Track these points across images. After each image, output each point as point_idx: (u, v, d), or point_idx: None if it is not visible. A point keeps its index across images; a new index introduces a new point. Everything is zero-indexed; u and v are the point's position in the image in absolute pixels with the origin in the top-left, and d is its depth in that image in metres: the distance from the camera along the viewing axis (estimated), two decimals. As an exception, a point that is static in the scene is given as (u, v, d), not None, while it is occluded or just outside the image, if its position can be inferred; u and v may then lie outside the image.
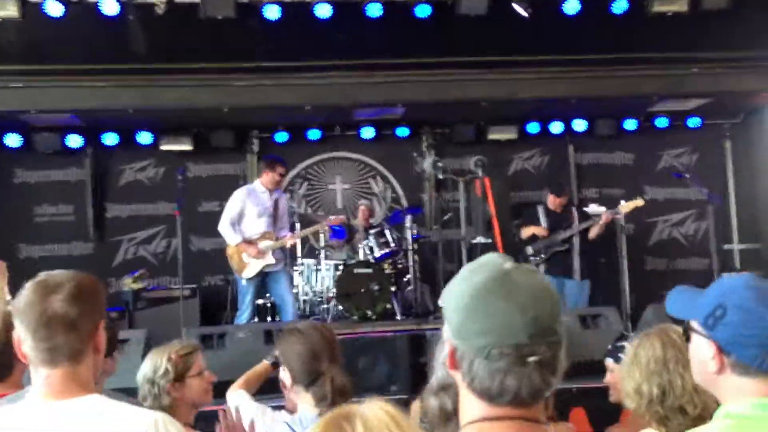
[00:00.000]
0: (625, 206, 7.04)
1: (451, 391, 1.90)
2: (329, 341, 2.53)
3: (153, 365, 2.75)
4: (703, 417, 1.58)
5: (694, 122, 9.17)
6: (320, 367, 2.43)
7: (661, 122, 9.12)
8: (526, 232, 7.20)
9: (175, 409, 2.68)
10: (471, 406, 1.21)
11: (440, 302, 1.29)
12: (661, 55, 7.84)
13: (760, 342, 1.47)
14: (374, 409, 1.17)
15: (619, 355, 2.83)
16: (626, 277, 7.23)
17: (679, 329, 2.14)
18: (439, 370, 1.98)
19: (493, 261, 1.25)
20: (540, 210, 7.33)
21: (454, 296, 1.23)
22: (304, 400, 2.47)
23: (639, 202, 7.05)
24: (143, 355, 4.58)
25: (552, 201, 7.30)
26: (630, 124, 9.09)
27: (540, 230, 7.10)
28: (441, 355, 1.98)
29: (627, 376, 2.18)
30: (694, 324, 1.57)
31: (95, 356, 1.69)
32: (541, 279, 1.23)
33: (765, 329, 1.47)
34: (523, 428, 1.19)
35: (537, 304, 1.18)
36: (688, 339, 1.61)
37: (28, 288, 1.67)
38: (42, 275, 1.70)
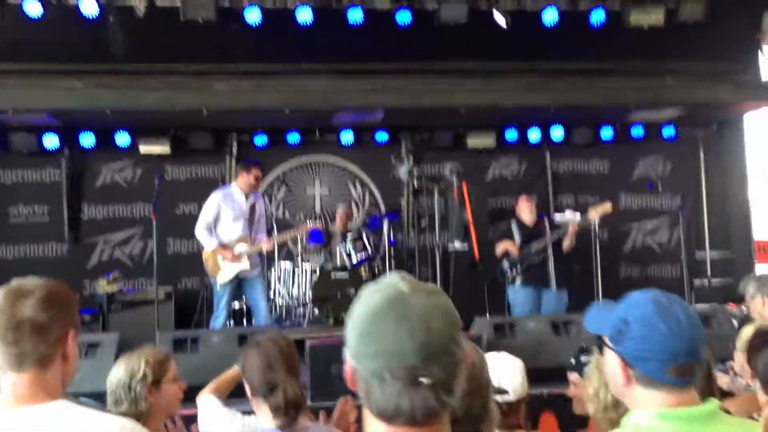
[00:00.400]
0: (594, 212, 7.12)
1: None
2: (285, 354, 2.52)
3: (129, 369, 2.69)
4: None
5: (668, 132, 9.31)
6: (276, 379, 2.44)
7: (637, 131, 9.24)
8: (500, 248, 7.23)
9: (150, 415, 2.65)
10: (372, 424, 1.22)
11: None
12: (638, 65, 7.98)
13: (660, 356, 1.52)
14: None
15: (584, 368, 2.88)
16: (600, 284, 7.33)
17: None
18: None
19: (392, 282, 1.24)
20: (513, 224, 7.36)
21: (351, 318, 1.24)
22: (262, 412, 2.50)
23: (607, 207, 7.12)
24: (115, 359, 4.57)
25: (523, 203, 7.32)
26: (606, 133, 9.20)
27: (512, 247, 7.13)
28: None
29: (588, 381, 2.25)
30: (605, 338, 1.62)
31: (64, 364, 1.69)
32: (439, 301, 1.23)
33: (664, 343, 1.52)
34: None
35: (429, 328, 1.17)
36: (601, 352, 1.65)
37: None
38: (14, 282, 1.69)
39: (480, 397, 1.91)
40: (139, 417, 2.60)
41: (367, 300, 1.22)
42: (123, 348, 4.77)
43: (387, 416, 1.19)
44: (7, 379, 1.65)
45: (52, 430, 1.59)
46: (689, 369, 1.54)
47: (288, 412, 2.38)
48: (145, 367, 2.70)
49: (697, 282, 8.52)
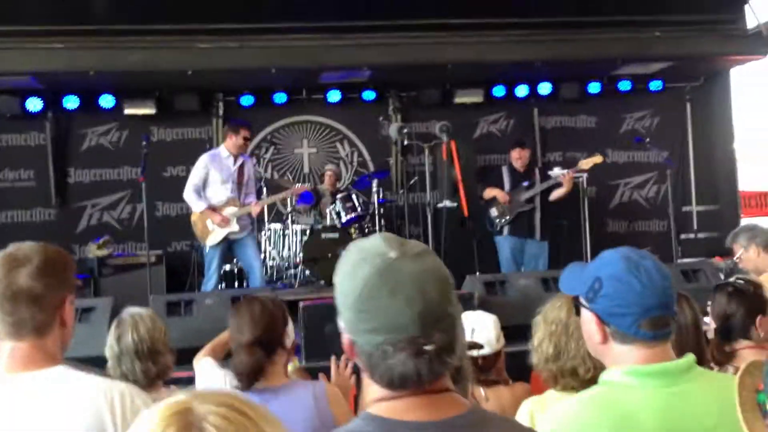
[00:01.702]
0: (585, 163, 7.14)
1: None
2: (257, 319, 2.46)
3: (155, 324, 2.71)
4: (594, 381, 1.69)
5: (655, 85, 9.29)
6: (239, 343, 2.44)
7: (624, 85, 9.21)
8: (488, 193, 7.25)
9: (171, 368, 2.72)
10: (374, 391, 1.24)
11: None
12: (625, 18, 7.91)
13: (632, 311, 1.55)
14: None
15: None
16: (588, 239, 7.41)
17: None
18: None
19: (376, 250, 1.22)
20: (504, 171, 7.36)
21: (342, 293, 1.23)
22: None
23: (597, 158, 7.13)
24: (109, 323, 4.59)
25: (517, 154, 7.30)
26: (593, 88, 9.17)
27: (501, 195, 7.14)
28: None
29: (533, 333, 2.29)
30: (581, 298, 1.65)
31: (62, 329, 1.71)
32: (428, 263, 1.21)
33: (636, 297, 1.55)
34: (429, 401, 1.22)
35: (425, 295, 1.17)
36: (578, 313, 1.68)
37: None
38: (11, 248, 1.69)
39: None
40: (158, 381, 2.67)
41: (356, 272, 1.20)
42: (117, 312, 4.79)
43: (393, 385, 1.20)
44: (6, 345, 1.66)
45: (51, 395, 1.61)
46: (663, 321, 1.57)
47: (242, 378, 2.41)
48: (163, 326, 2.74)
49: (683, 236, 8.62)
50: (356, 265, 1.21)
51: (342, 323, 1.24)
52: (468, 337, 2.68)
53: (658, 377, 1.54)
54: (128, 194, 8.57)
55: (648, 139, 8.19)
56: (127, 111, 8.40)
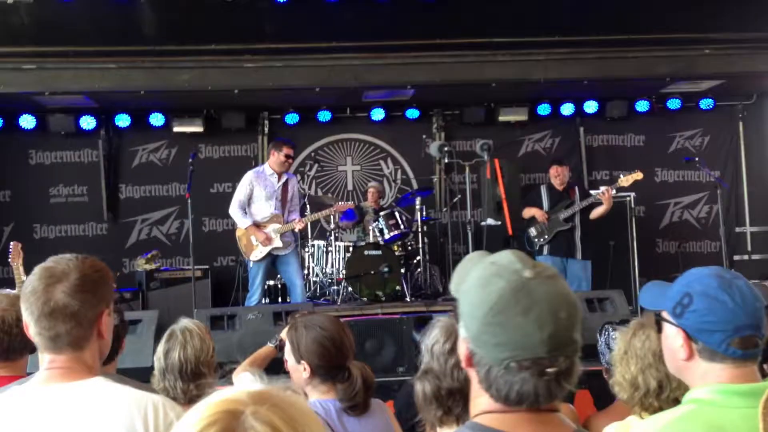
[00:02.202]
0: (624, 180, 6.99)
1: (431, 376, 1.96)
2: (346, 335, 2.50)
3: (203, 345, 2.69)
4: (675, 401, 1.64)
5: (706, 104, 9.11)
6: (345, 363, 2.43)
7: (674, 104, 9.05)
8: (527, 213, 7.17)
9: (213, 387, 2.69)
10: (483, 403, 1.24)
11: (453, 292, 1.30)
12: (674, 36, 7.78)
13: (723, 327, 1.52)
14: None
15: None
16: (636, 259, 7.26)
17: None
18: (424, 354, 2.04)
19: (512, 267, 1.23)
20: (543, 190, 7.29)
21: (470, 303, 1.24)
22: (318, 391, 2.46)
23: (638, 175, 6.98)
24: (155, 336, 4.68)
25: (555, 172, 7.22)
26: (641, 106, 9.04)
27: (540, 214, 7.06)
28: (427, 341, 2.04)
29: (621, 367, 2.19)
30: (664, 314, 1.63)
31: (99, 341, 1.73)
32: (560, 287, 1.23)
33: (728, 315, 1.52)
34: (539, 418, 1.22)
35: (556, 318, 1.18)
36: (659, 329, 1.65)
37: (34, 274, 1.70)
38: (50, 261, 1.72)
39: None
40: (202, 394, 2.65)
41: (489, 285, 1.21)
42: (162, 325, 4.87)
43: (509, 401, 1.21)
44: (44, 358, 1.69)
45: (87, 406, 1.62)
46: (753, 342, 1.54)
47: (364, 394, 2.40)
48: (210, 341, 2.73)
49: (736, 257, 8.39)
50: (489, 279, 1.22)
51: (464, 332, 1.25)
52: None
53: (748, 397, 1.50)
54: (176, 210, 8.75)
55: (698, 158, 8.02)
56: (176, 129, 8.61)
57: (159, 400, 1.68)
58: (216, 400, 0.90)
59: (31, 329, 1.68)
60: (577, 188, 7.25)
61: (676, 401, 2.06)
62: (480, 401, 1.25)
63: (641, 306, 1.74)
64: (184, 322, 2.82)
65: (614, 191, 7.00)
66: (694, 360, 1.57)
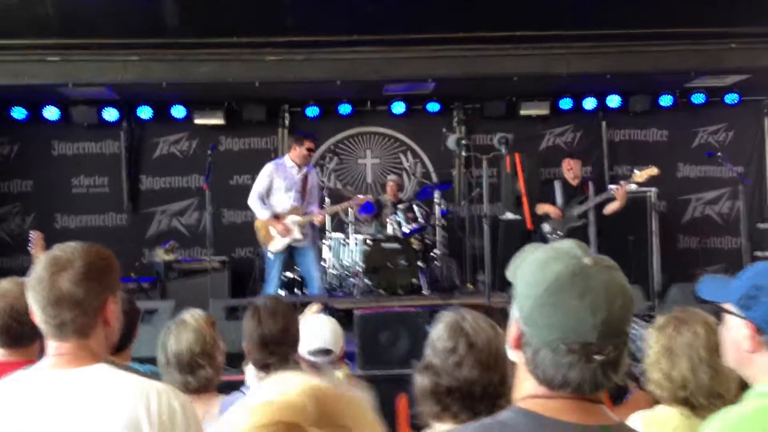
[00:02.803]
0: (639, 175, 6.84)
1: (431, 372, 1.95)
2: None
3: (198, 336, 2.67)
4: (731, 400, 1.63)
5: (731, 98, 8.97)
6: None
7: (698, 98, 8.93)
8: (540, 209, 7.10)
9: (215, 378, 2.71)
10: (528, 386, 1.25)
11: (509, 276, 1.30)
12: (699, 30, 7.67)
13: None
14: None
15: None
16: (656, 255, 7.19)
17: (703, 313, 2.14)
18: (427, 348, 2.03)
19: (572, 252, 1.24)
20: (557, 186, 7.21)
21: (527, 282, 1.24)
22: None
23: (653, 171, 6.85)
24: (172, 325, 4.72)
25: (567, 165, 7.15)
26: (665, 100, 8.93)
27: (553, 210, 7.00)
28: (432, 335, 2.03)
29: (663, 364, 2.13)
30: (728, 306, 1.62)
31: (106, 328, 1.74)
32: (618, 277, 1.23)
33: None
34: (583, 406, 1.22)
35: (610, 306, 1.19)
36: (719, 320, 1.65)
37: (40, 262, 1.72)
38: (55, 249, 1.73)
39: (498, 372, 1.91)
40: (210, 382, 2.67)
41: (548, 266, 1.22)
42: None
43: (553, 384, 1.21)
44: (51, 345, 1.72)
45: (91, 392, 1.64)
46: None
47: None
48: (211, 331, 2.73)
49: (758, 254, 8.27)
50: (548, 261, 1.24)
51: (517, 312, 1.26)
52: None
53: None
54: (196, 201, 8.82)
55: (721, 154, 7.90)
56: (197, 121, 8.66)
57: (163, 387, 1.70)
58: (276, 403, 0.81)
59: (38, 317, 1.70)
60: (591, 183, 7.17)
61: (720, 395, 2.05)
62: (525, 385, 1.25)
63: (699, 297, 1.72)
64: (184, 314, 2.82)
65: (631, 186, 6.89)
66: (759, 353, 1.55)
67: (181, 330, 2.70)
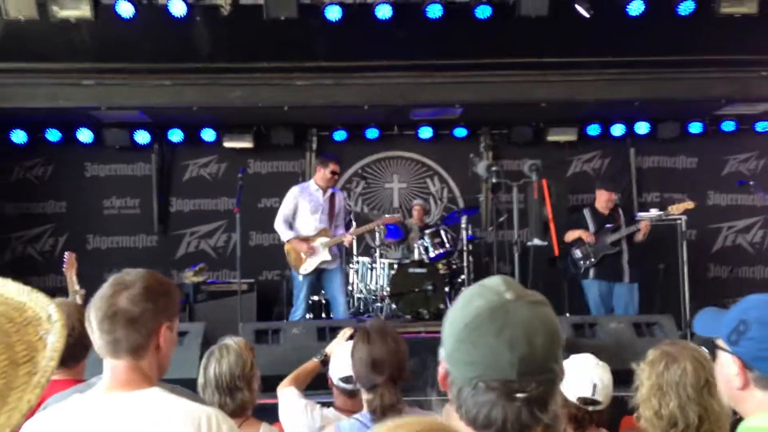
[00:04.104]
0: (675, 208, 6.83)
1: None
2: (393, 353, 2.61)
3: (239, 360, 2.76)
4: None
5: (762, 126, 8.88)
6: (376, 380, 2.51)
7: (728, 126, 8.86)
8: (570, 235, 7.05)
9: (251, 402, 2.77)
10: (460, 426, 1.20)
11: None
12: (729, 57, 7.62)
13: None
14: None
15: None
16: (686, 283, 7.09)
17: (693, 346, 2.12)
18: None
19: (495, 288, 1.21)
20: (587, 213, 7.17)
21: (450, 321, 1.22)
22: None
23: (689, 204, 6.82)
24: (201, 348, 4.74)
25: (601, 197, 7.12)
26: (695, 128, 8.86)
27: (586, 235, 6.95)
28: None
29: (652, 402, 2.11)
30: (719, 341, 1.58)
31: (157, 353, 1.81)
32: (542, 313, 1.19)
33: None
34: None
35: (531, 342, 1.14)
36: (714, 357, 1.61)
37: (107, 283, 1.82)
38: (123, 272, 1.85)
39: None
40: (247, 406, 2.72)
41: (468, 304, 1.20)
42: (208, 337, 4.94)
43: (477, 425, 1.17)
44: (107, 363, 1.79)
45: (144, 416, 1.69)
46: None
47: (383, 414, 2.45)
48: (250, 355, 2.80)
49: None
50: (472, 298, 1.21)
51: (442, 351, 1.24)
52: (589, 394, 2.62)
53: None
54: (224, 224, 8.90)
55: (752, 182, 7.81)
56: (227, 144, 8.77)
57: (212, 412, 1.75)
58: None
59: (95, 334, 1.78)
60: (621, 211, 7.13)
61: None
62: (455, 426, 1.21)
63: (694, 332, 1.70)
64: (226, 339, 2.89)
65: (657, 219, 6.86)
66: (748, 389, 1.52)
67: (223, 353, 2.76)
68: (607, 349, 4.90)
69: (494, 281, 1.23)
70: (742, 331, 1.52)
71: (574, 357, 2.77)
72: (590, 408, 2.61)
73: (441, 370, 1.23)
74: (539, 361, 1.15)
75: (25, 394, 0.64)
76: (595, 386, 2.64)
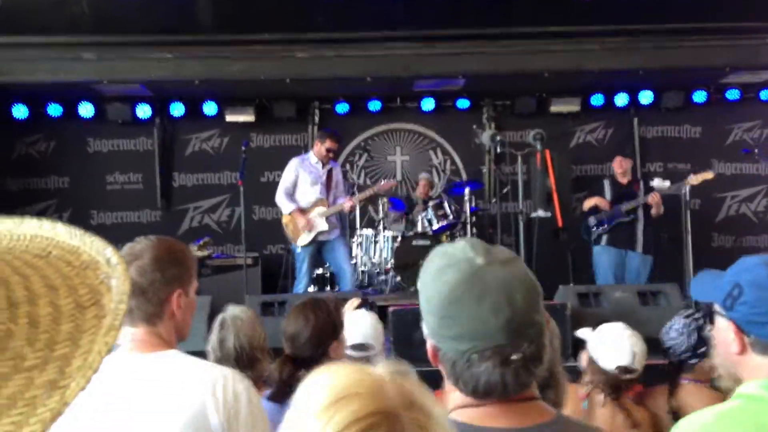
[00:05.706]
0: (694, 179, 6.85)
1: None
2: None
3: (254, 331, 2.78)
4: None
5: (767, 95, 8.82)
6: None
7: (732, 94, 8.80)
8: (588, 203, 7.09)
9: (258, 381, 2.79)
10: (457, 396, 1.21)
11: (419, 288, 1.26)
12: (733, 24, 7.55)
13: None
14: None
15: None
16: (690, 253, 7.10)
17: None
18: None
19: (463, 255, 1.19)
20: (606, 183, 7.20)
21: (425, 299, 1.21)
22: None
23: (708, 175, 6.84)
24: (207, 320, 4.77)
25: (619, 164, 7.14)
26: (699, 96, 8.81)
27: (602, 201, 6.98)
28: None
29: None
30: (716, 306, 1.57)
31: (172, 319, 1.84)
32: (516, 270, 1.19)
33: None
34: (514, 408, 1.18)
35: (512, 302, 1.14)
36: (711, 321, 1.60)
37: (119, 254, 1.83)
38: (135, 241, 1.88)
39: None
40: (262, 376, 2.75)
41: (441, 277, 1.18)
42: (215, 311, 4.95)
43: (477, 393, 1.17)
44: (125, 331, 1.82)
45: (163, 375, 1.75)
46: None
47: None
48: (260, 328, 2.81)
49: None
50: (441, 270, 1.19)
51: (425, 329, 1.22)
52: (629, 362, 2.66)
53: None
54: (228, 198, 8.89)
55: (757, 150, 7.78)
56: (229, 118, 8.73)
57: (228, 372, 1.78)
58: (363, 394, 0.78)
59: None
60: (641, 182, 7.15)
61: None
62: (452, 396, 1.21)
63: (693, 298, 1.70)
64: (233, 309, 2.88)
65: (664, 185, 6.87)
66: (746, 354, 1.50)
67: (239, 325, 2.76)
68: (612, 318, 4.92)
69: (460, 247, 1.22)
70: (736, 296, 1.50)
71: (605, 326, 2.79)
72: (627, 376, 2.65)
73: (429, 347, 1.22)
74: (524, 317, 1.15)
75: (98, 337, 0.63)
76: (634, 354, 2.67)
